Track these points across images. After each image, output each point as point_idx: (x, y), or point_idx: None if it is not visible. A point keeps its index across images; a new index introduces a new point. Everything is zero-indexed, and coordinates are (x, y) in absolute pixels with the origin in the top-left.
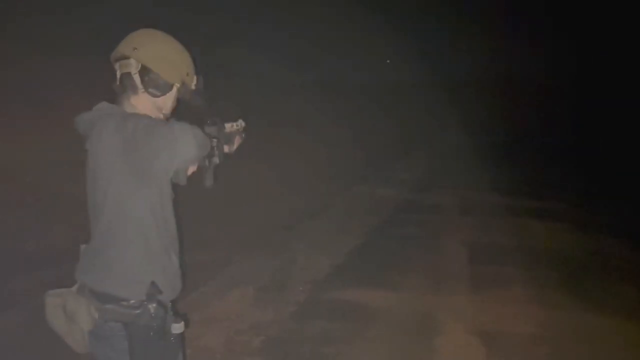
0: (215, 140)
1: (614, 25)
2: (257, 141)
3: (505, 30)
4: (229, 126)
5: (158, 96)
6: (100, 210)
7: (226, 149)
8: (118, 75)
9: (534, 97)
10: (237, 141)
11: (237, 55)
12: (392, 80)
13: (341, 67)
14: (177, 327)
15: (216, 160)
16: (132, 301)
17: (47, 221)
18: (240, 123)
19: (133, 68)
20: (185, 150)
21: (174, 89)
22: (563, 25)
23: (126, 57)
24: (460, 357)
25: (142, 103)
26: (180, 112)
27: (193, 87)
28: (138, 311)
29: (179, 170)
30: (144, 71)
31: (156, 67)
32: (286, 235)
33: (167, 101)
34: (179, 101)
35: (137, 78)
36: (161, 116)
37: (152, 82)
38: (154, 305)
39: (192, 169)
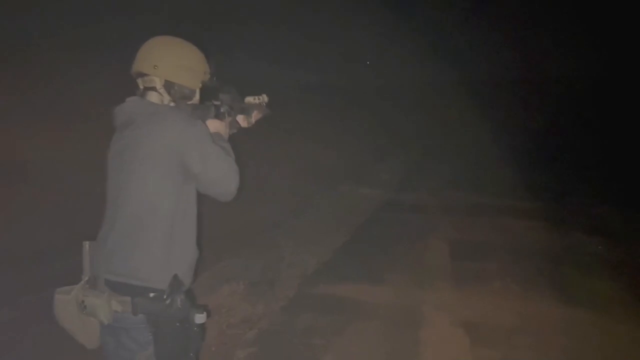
0: (227, 107)
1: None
2: (246, 140)
3: (521, 31)
4: (250, 99)
5: (185, 102)
6: (123, 202)
7: (242, 121)
8: (141, 87)
9: (541, 99)
10: (255, 115)
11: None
12: (393, 81)
13: (341, 68)
14: (200, 318)
15: (233, 130)
16: (152, 295)
17: (35, 220)
18: (263, 97)
19: (157, 84)
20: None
21: (197, 90)
22: (584, 27)
23: (147, 74)
24: (446, 347)
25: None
26: None
27: (209, 75)
28: (167, 302)
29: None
30: (169, 85)
31: (180, 79)
32: (274, 233)
33: (195, 101)
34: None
35: (163, 92)
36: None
37: (179, 93)
38: (182, 297)
39: None
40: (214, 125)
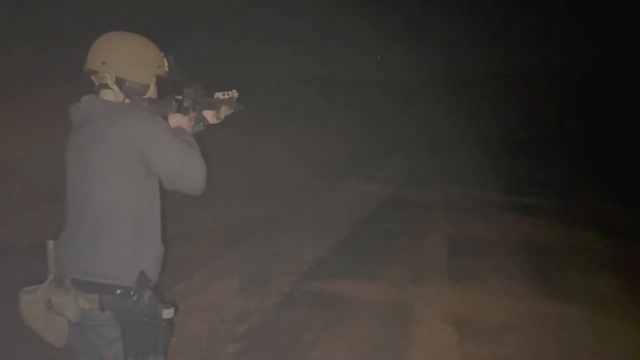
0: (190, 101)
1: (627, 18)
2: (246, 134)
3: (512, 26)
4: (219, 95)
5: (140, 97)
6: (86, 202)
7: (211, 117)
8: (96, 84)
9: (530, 93)
10: (225, 111)
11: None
12: (388, 78)
13: (340, 63)
14: (168, 313)
15: (200, 127)
16: (119, 291)
17: (32, 213)
18: (233, 93)
19: (109, 80)
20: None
21: (152, 85)
22: (574, 20)
23: (98, 71)
24: (434, 343)
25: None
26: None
27: (167, 69)
28: (134, 299)
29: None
30: (120, 81)
31: (130, 75)
32: (272, 228)
33: (150, 95)
34: (160, 83)
35: (115, 88)
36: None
37: (131, 90)
38: (149, 293)
39: None
40: (176, 119)
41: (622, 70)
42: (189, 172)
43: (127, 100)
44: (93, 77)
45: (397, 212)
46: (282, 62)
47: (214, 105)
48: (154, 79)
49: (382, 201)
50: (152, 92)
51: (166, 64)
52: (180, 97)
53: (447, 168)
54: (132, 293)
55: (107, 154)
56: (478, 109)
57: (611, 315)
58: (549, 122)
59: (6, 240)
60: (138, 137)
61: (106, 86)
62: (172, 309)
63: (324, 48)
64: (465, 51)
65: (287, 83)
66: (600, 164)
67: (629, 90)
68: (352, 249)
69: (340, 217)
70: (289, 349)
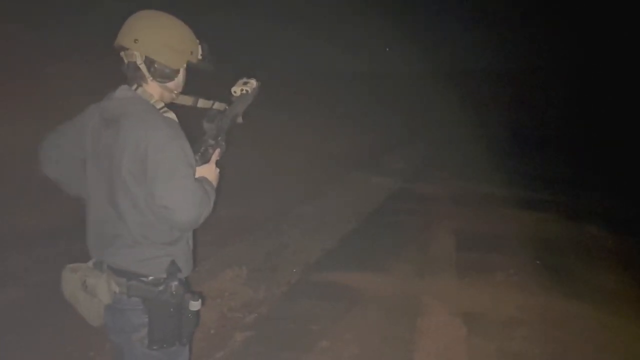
0: (212, 142)
1: (616, 18)
2: (254, 127)
3: (512, 22)
4: (237, 90)
5: (167, 82)
6: (113, 194)
7: (239, 119)
8: (125, 62)
9: (537, 89)
10: (242, 108)
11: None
12: (396, 71)
13: (344, 56)
14: (195, 305)
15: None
16: (151, 277)
17: (42, 201)
18: (252, 83)
19: (138, 59)
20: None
21: (181, 71)
22: (568, 19)
23: (128, 48)
24: (441, 336)
25: (154, 89)
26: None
27: (199, 57)
28: (160, 288)
29: None
30: (149, 62)
31: (160, 57)
32: (280, 220)
33: (177, 83)
34: (188, 72)
35: (143, 68)
36: (174, 96)
37: (159, 72)
38: (176, 283)
39: None
40: (200, 172)
41: (627, 68)
42: (175, 206)
43: (161, 107)
44: (122, 54)
45: (406, 205)
46: (295, 52)
47: (237, 116)
48: (185, 65)
49: (391, 194)
50: (180, 79)
51: (200, 52)
52: (203, 148)
53: (456, 162)
54: (160, 282)
55: (126, 168)
56: (487, 106)
57: (618, 312)
58: (556, 118)
59: (19, 228)
60: (147, 149)
61: (134, 65)
62: (200, 301)
63: (339, 39)
64: (476, 48)
65: (301, 73)
66: (608, 160)
67: (635, 87)
68: (360, 241)
69: (348, 209)
70: (297, 339)
